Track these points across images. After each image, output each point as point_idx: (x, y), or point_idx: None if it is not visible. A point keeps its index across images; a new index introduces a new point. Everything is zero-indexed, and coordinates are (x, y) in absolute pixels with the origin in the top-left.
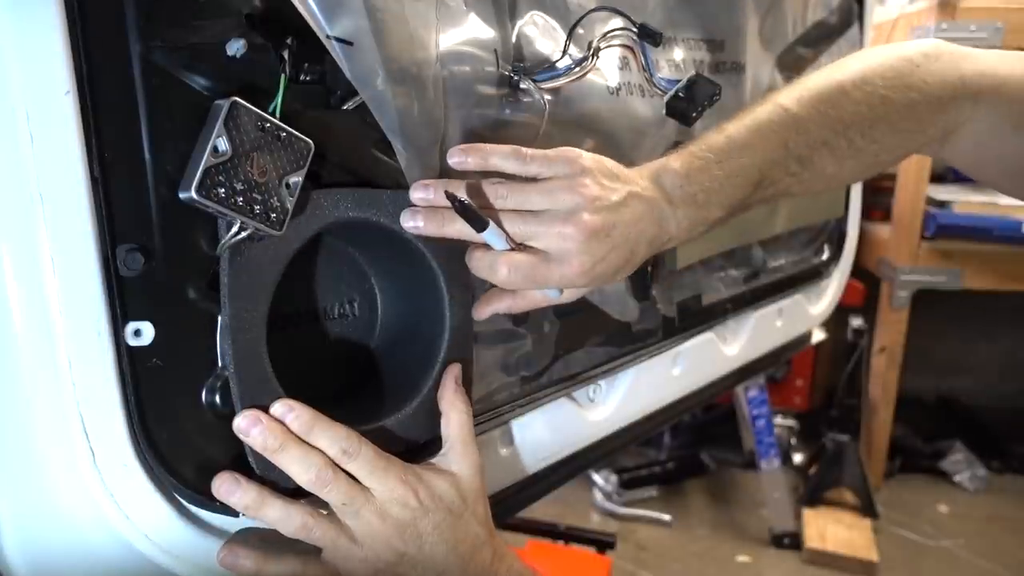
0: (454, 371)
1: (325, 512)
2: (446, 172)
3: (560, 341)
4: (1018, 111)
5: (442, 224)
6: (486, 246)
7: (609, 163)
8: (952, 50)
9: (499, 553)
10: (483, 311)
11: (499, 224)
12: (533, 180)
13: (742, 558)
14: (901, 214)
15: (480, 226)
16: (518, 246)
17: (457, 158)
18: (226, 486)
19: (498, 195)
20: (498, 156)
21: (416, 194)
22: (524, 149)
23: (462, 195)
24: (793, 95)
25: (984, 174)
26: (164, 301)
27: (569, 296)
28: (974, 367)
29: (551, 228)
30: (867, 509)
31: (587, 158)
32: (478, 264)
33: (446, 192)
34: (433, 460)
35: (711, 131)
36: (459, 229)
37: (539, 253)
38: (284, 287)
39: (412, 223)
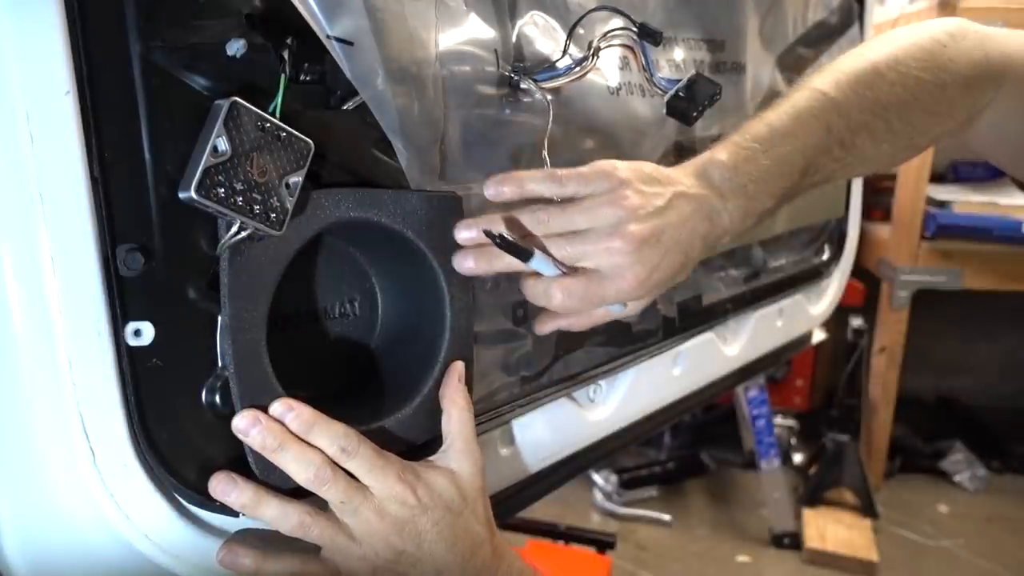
0: (456, 369)
1: (324, 511)
2: (480, 206)
3: (560, 341)
4: None
5: (491, 260)
6: (538, 274)
7: (648, 168)
8: (976, 29)
9: (499, 551)
10: (545, 327)
11: (545, 250)
12: (571, 200)
13: (742, 558)
14: (901, 214)
15: (526, 257)
16: (569, 269)
17: (492, 189)
18: (222, 486)
19: (539, 221)
20: (534, 182)
21: (461, 235)
22: (559, 171)
23: (500, 229)
24: (829, 80)
25: (1001, 157)
26: (164, 301)
27: (634, 308)
28: (974, 367)
29: (598, 245)
30: (867, 509)
31: (623, 168)
32: (533, 292)
33: (484, 231)
34: (433, 458)
35: (752, 121)
36: (508, 263)
37: (591, 273)
38: (284, 287)
39: (466, 265)
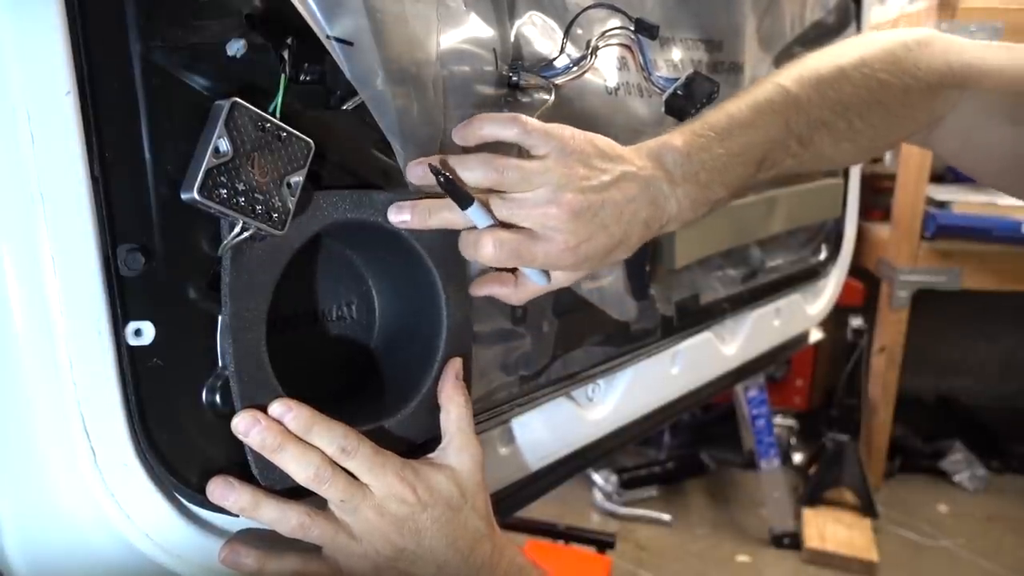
0: (454, 366)
1: (323, 510)
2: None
3: (559, 341)
4: (999, 101)
5: (427, 216)
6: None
7: (602, 142)
8: (943, 39)
9: (499, 547)
10: (478, 290)
11: (485, 205)
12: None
13: (742, 558)
14: (901, 214)
15: (465, 202)
16: (504, 225)
17: (459, 133)
18: (220, 490)
19: (492, 167)
20: (499, 124)
21: (410, 172)
22: (525, 118)
23: (449, 172)
24: (793, 75)
25: (966, 163)
26: (165, 301)
27: (562, 281)
28: (974, 367)
29: (536, 209)
30: (867, 509)
31: (579, 137)
32: (464, 242)
33: (430, 165)
34: (432, 455)
35: (710, 110)
36: (444, 218)
37: (524, 230)
38: (283, 289)
39: (398, 217)
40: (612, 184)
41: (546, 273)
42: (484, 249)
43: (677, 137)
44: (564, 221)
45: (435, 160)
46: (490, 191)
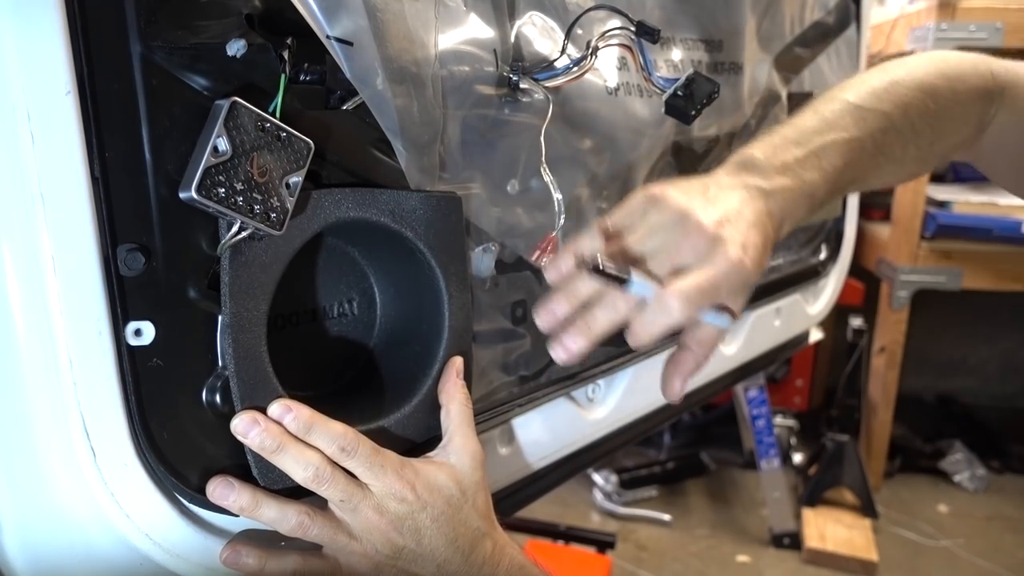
0: (454, 364)
1: (323, 510)
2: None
3: None
4: None
5: (590, 331)
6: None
7: (677, 182)
8: (972, 54)
9: (501, 545)
10: (675, 389)
11: (642, 271)
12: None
13: (742, 558)
14: (901, 214)
15: (625, 280)
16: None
17: (552, 273)
18: (220, 490)
19: (612, 257)
20: (584, 241)
21: (552, 275)
22: (599, 219)
23: (594, 258)
24: (850, 90)
25: (998, 173)
26: (164, 301)
27: (738, 310)
28: (974, 367)
29: (680, 249)
30: (867, 509)
31: (655, 186)
32: (645, 327)
33: (577, 259)
34: (431, 453)
35: (778, 126)
36: (607, 322)
37: (691, 271)
38: (284, 286)
39: (552, 314)
40: (716, 197)
41: (726, 309)
42: (674, 310)
43: (752, 148)
44: (714, 238)
45: (576, 250)
46: (633, 259)
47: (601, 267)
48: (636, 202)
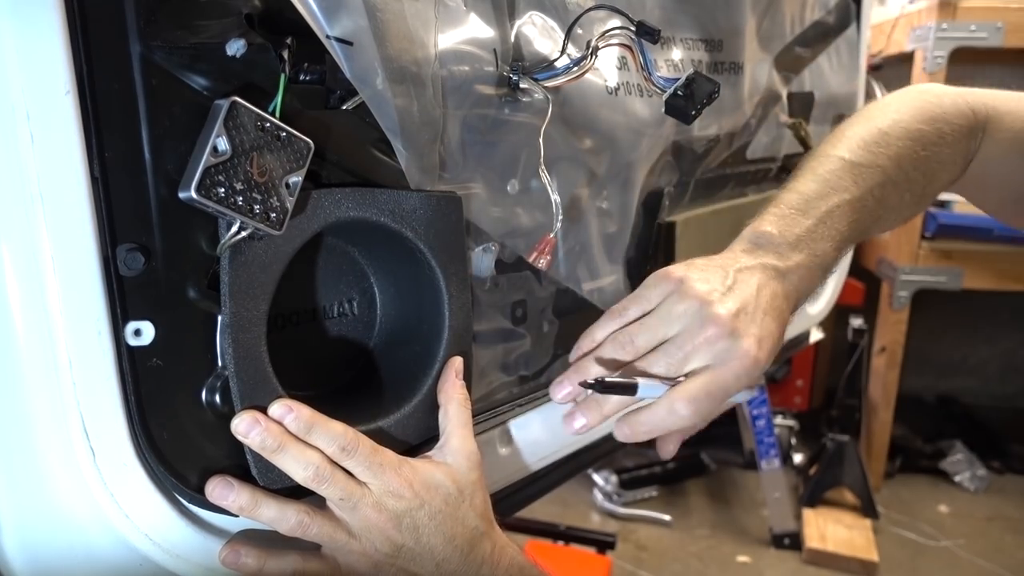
0: (454, 365)
1: (322, 509)
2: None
3: (559, 341)
4: (1014, 139)
5: (601, 410)
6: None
7: (698, 261)
8: (950, 88)
9: (500, 546)
10: (670, 450)
11: (645, 374)
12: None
13: (742, 558)
14: None
15: (632, 390)
16: (675, 381)
17: (572, 357)
18: (219, 490)
19: (623, 345)
20: (600, 327)
21: (557, 395)
22: (616, 305)
23: (594, 375)
24: (842, 146)
25: (987, 202)
26: (164, 301)
27: (757, 385)
28: (974, 367)
29: (695, 341)
30: (867, 509)
31: (675, 269)
32: (653, 420)
33: (581, 384)
34: (429, 452)
35: (780, 193)
36: (617, 402)
37: (703, 371)
38: (284, 286)
39: (577, 426)
40: (736, 284)
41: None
42: (682, 415)
43: (762, 223)
44: (729, 334)
45: (576, 374)
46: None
47: (608, 382)
48: (656, 285)
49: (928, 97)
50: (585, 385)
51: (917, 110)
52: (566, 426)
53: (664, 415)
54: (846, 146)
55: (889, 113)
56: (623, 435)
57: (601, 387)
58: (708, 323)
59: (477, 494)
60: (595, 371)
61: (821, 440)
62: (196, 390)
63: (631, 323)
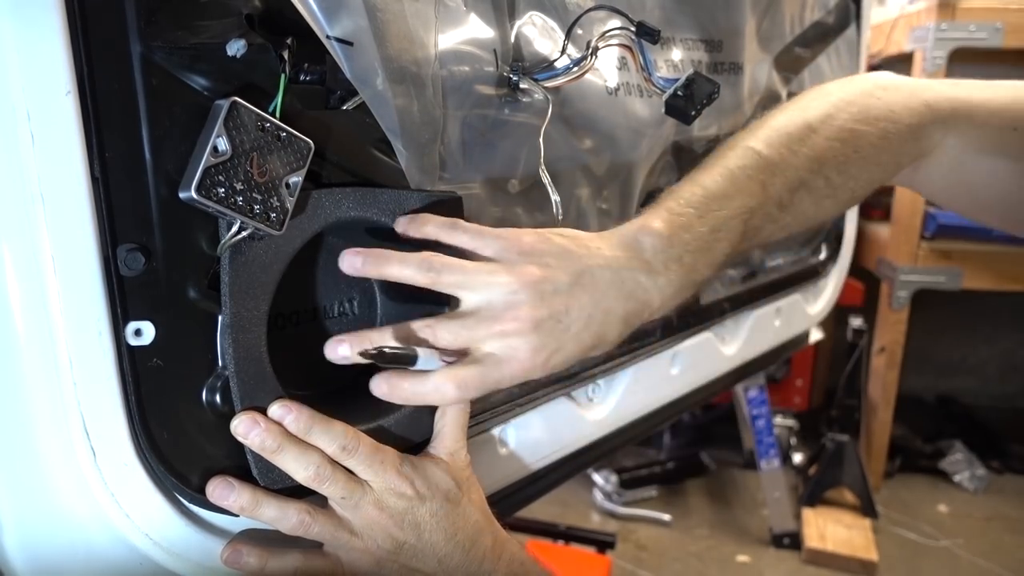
0: None
1: (323, 507)
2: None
3: None
4: (990, 136)
5: (396, 387)
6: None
7: (561, 238)
8: (909, 80)
9: (500, 540)
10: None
11: (430, 344)
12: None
13: (742, 558)
14: (901, 214)
15: (410, 361)
16: (457, 356)
17: (403, 225)
18: (220, 490)
19: (431, 267)
20: (439, 226)
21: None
22: (463, 222)
23: (376, 343)
24: (761, 137)
25: (953, 202)
26: (165, 301)
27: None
28: (974, 367)
29: (491, 328)
30: (867, 509)
31: (529, 236)
32: (417, 391)
33: (362, 352)
34: (427, 449)
35: (684, 183)
36: (409, 391)
37: (484, 357)
38: (284, 286)
39: (341, 351)
40: (575, 284)
41: None
42: (448, 395)
43: (655, 219)
44: (524, 336)
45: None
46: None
47: (387, 353)
48: (505, 239)
49: (875, 92)
50: (364, 354)
51: (858, 107)
52: (328, 350)
53: (429, 390)
54: (765, 138)
55: (824, 106)
56: (380, 392)
57: (379, 356)
58: (511, 316)
59: (474, 490)
60: (381, 340)
61: (821, 440)
62: (196, 390)
63: (450, 248)
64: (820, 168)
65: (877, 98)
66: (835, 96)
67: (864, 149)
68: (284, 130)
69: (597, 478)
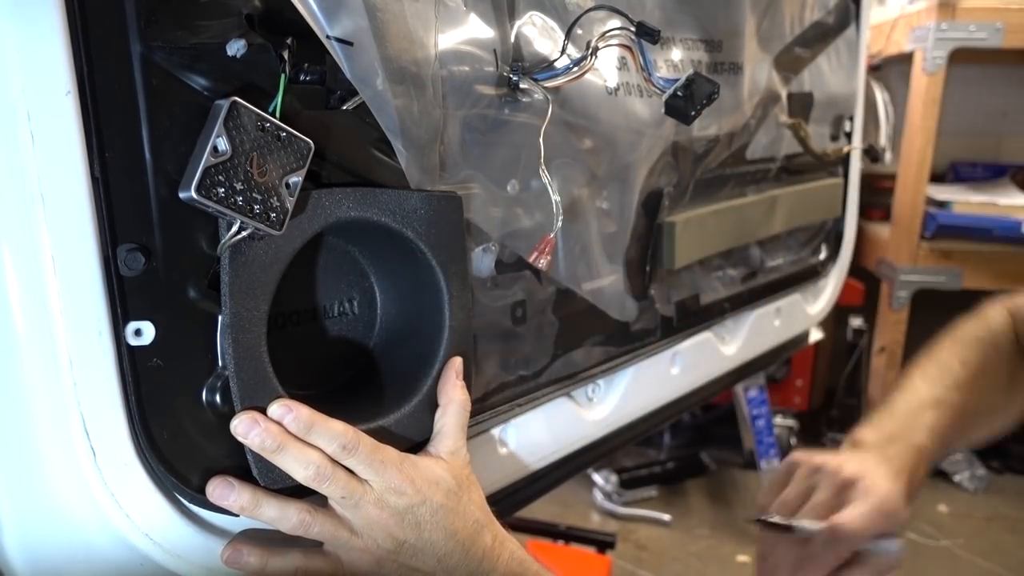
0: (454, 365)
1: (323, 507)
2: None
3: (559, 340)
4: None
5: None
6: None
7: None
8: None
9: (500, 539)
10: None
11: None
12: None
13: (742, 558)
14: (901, 214)
15: (789, 528)
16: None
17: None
18: (220, 490)
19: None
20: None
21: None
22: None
23: (766, 515)
24: (922, 377)
25: None
26: (164, 301)
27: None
28: None
29: (837, 490)
30: None
31: (812, 457)
32: (818, 566)
33: (757, 520)
34: (427, 448)
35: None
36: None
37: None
38: (284, 286)
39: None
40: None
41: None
42: (846, 538)
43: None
44: (859, 478)
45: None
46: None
47: (767, 521)
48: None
49: (989, 323)
50: (759, 523)
51: (975, 341)
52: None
53: (828, 548)
54: (920, 374)
55: (955, 344)
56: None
57: (762, 524)
58: (840, 478)
59: (474, 489)
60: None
61: (821, 440)
62: (196, 390)
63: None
64: (974, 380)
65: (991, 330)
66: (962, 335)
67: (989, 370)
68: (284, 130)
69: (597, 478)
